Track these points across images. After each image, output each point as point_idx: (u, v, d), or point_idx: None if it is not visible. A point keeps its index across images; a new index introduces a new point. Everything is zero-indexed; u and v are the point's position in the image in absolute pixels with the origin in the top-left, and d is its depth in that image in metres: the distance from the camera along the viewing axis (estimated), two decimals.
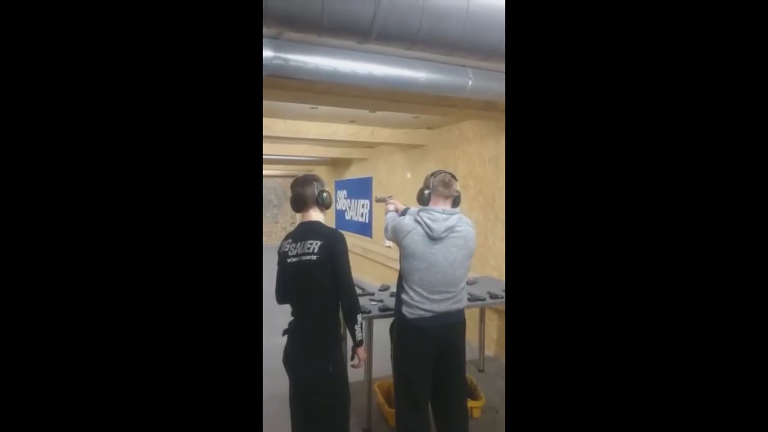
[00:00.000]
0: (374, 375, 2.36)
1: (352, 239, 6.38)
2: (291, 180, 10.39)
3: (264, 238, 10.17)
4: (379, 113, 3.28)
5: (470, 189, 3.58)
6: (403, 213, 1.94)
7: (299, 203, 1.60)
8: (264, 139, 4.48)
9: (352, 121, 3.83)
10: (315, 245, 1.49)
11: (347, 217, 6.75)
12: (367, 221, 5.97)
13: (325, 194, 1.61)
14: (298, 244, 1.52)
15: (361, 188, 6.18)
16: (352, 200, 6.55)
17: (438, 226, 1.66)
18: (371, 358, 2.28)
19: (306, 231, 1.54)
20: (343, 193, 6.98)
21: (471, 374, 2.26)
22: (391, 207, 2.12)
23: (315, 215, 1.60)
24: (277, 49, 1.75)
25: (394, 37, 1.30)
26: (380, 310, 2.18)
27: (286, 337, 1.60)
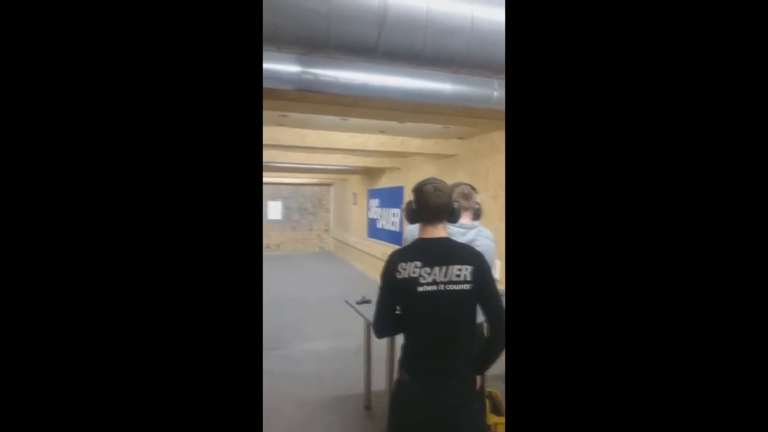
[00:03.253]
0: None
1: (383, 248, 6.41)
2: (325, 188, 10.36)
3: (298, 245, 10.39)
4: (408, 124, 3.31)
5: (500, 199, 3.54)
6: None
7: (426, 214, 1.31)
8: (298, 149, 4.61)
9: (381, 132, 3.88)
10: (466, 272, 1.23)
11: (379, 226, 6.80)
12: (398, 230, 5.99)
13: (457, 205, 1.36)
14: (437, 269, 1.23)
15: (392, 197, 6.21)
16: (384, 209, 6.59)
17: None
18: (393, 368, 2.28)
19: (443, 253, 1.26)
20: (375, 202, 7.04)
21: (496, 389, 2.22)
22: None
23: (442, 231, 1.32)
24: (305, 64, 1.81)
25: (400, 55, 1.30)
26: None
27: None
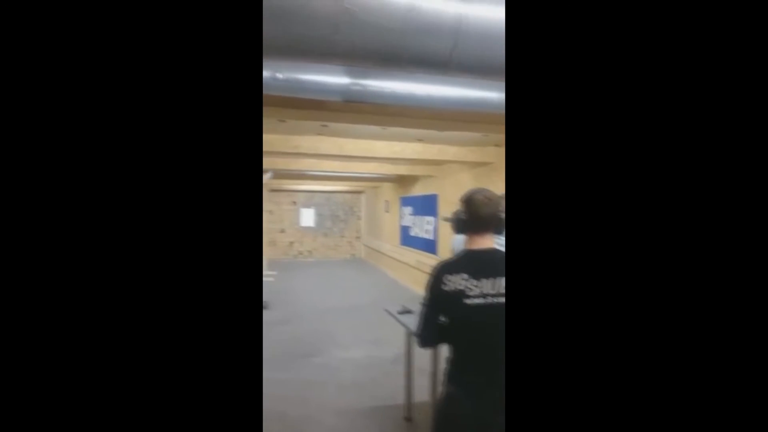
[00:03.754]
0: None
1: (417, 256, 6.37)
2: (356, 196, 10.47)
3: (329, 252, 10.49)
4: (446, 132, 3.29)
5: None
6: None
7: (475, 225, 1.28)
8: (334, 158, 4.66)
9: (419, 140, 3.87)
10: None
11: (412, 234, 6.78)
12: (432, 238, 5.94)
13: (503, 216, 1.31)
14: (485, 281, 1.21)
15: (426, 205, 6.18)
16: (418, 217, 6.56)
17: None
18: (436, 380, 2.25)
19: (491, 264, 1.23)
20: (408, 210, 7.03)
21: None
22: None
23: (490, 242, 1.28)
24: (354, 75, 1.83)
25: (472, 67, 1.27)
26: None
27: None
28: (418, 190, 6.65)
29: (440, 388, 1.36)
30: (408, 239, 6.98)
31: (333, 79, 1.82)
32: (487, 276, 1.21)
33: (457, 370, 1.29)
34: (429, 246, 6.04)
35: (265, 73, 1.76)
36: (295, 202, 10.18)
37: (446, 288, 1.22)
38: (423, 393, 2.67)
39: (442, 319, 1.28)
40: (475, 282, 1.21)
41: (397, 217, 7.60)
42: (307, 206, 10.30)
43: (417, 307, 2.58)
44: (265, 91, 1.81)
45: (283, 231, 10.15)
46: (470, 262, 1.25)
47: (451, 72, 1.26)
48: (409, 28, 0.98)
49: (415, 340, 1.99)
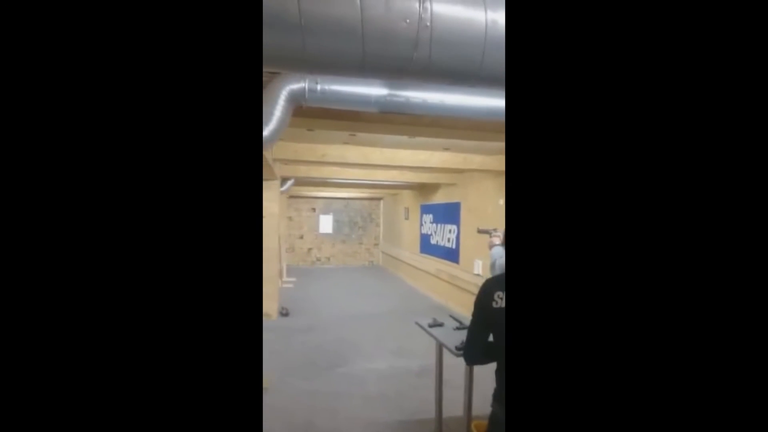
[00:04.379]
0: (473, 413, 2.28)
1: (438, 265, 6.32)
2: (375, 202, 10.46)
3: (347, 259, 10.49)
4: (472, 140, 3.26)
5: None
6: None
7: None
8: (359, 167, 4.67)
9: (446, 149, 3.84)
10: None
11: (432, 242, 6.73)
12: (454, 247, 5.89)
13: None
14: None
15: (449, 213, 6.13)
16: (439, 225, 6.52)
17: None
18: (471, 396, 2.20)
19: None
20: (428, 218, 6.99)
21: None
22: (497, 240, 2.05)
23: None
24: (392, 87, 1.82)
25: (498, 78, 1.26)
26: None
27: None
28: (439, 198, 6.60)
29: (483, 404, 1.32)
30: (428, 247, 6.93)
31: (371, 90, 1.81)
32: None
33: (501, 389, 1.25)
34: (450, 255, 5.98)
35: (304, 85, 1.76)
36: (314, 209, 10.23)
37: (496, 305, 1.19)
38: (452, 407, 2.62)
39: (491, 336, 1.25)
40: None
41: (417, 224, 7.56)
42: (326, 213, 10.33)
43: (447, 320, 2.56)
44: (303, 103, 1.81)
45: (301, 237, 10.19)
46: None
47: (477, 82, 1.24)
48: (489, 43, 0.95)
49: (456, 355, 1.96)
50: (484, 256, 4.76)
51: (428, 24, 0.89)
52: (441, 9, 0.91)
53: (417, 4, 0.88)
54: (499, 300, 1.19)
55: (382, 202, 10.48)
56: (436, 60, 0.95)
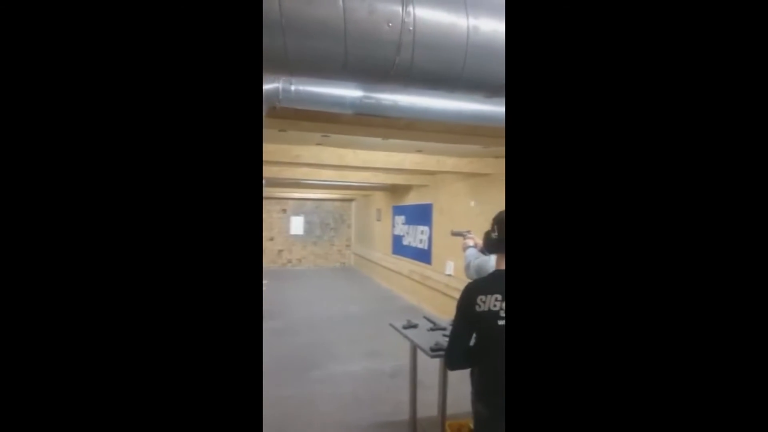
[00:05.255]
0: (447, 413, 2.30)
1: (410, 266, 6.36)
2: (346, 203, 10.40)
3: (319, 260, 10.39)
4: (446, 143, 3.30)
5: None
6: (482, 250, 1.90)
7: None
8: (332, 168, 4.63)
9: (419, 151, 3.87)
10: None
11: (405, 243, 6.76)
12: (426, 248, 5.93)
13: None
14: None
15: (420, 215, 6.18)
16: (411, 226, 6.55)
17: None
18: (445, 397, 2.22)
19: None
20: (401, 219, 7.02)
21: None
22: (470, 242, 2.08)
23: None
24: (366, 89, 1.81)
25: (479, 84, 1.25)
26: None
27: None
28: (411, 199, 6.64)
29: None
30: (400, 248, 6.96)
31: (346, 92, 1.79)
32: None
33: (486, 391, 1.28)
34: (422, 255, 6.02)
35: (278, 85, 1.72)
36: (284, 210, 10.08)
37: (479, 309, 1.21)
38: (426, 408, 2.64)
39: (473, 340, 1.27)
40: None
41: (389, 225, 7.57)
42: (297, 214, 10.20)
43: (421, 321, 2.57)
44: (277, 104, 1.77)
45: (272, 239, 10.03)
46: (503, 284, 1.22)
47: (460, 88, 1.25)
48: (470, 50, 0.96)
49: (431, 356, 1.97)
50: (456, 257, 4.83)
51: (411, 28, 0.89)
52: (424, 13, 0.92)
53: (400, 8, 0.88)
54: (482, 304, 1.21)
55: (354, 203, 10.44)
56: (419, 64, 0.95)
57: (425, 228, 5.99)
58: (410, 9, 0.89)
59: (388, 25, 0.88)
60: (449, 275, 5.02)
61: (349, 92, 1.79)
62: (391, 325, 2.56)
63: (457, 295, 1.36)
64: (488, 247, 1.37)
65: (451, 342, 1.29)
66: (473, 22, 0.94)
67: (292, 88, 1.74)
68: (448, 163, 4.18)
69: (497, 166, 4.22)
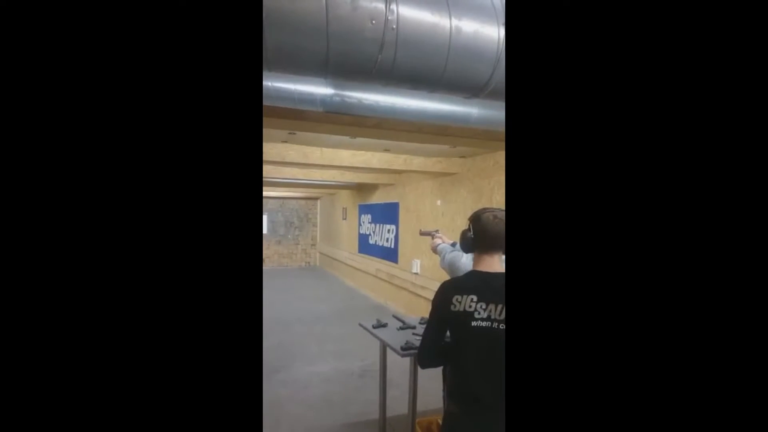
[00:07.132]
0: (416, 410, 2.31)
1: (377, 265, 6.35)
2: (311, 202, 10.24)
3: (283, 260, 10.21)
4: (413, 142, 3.32)
5: None
6: (454, 244, 1.93)
7: (484, 244, 1.27)
8: (298, 166, 4.55)
9: (386, 150, 3.86)
10: None
11: (371, 242, 6.75)
12: (393, 246, 5.95)
13: None
14: (492, 306, 1.19)
15: (387, 213, 6.18)
16: (377, 225, 6.55)
17: None
18: (415, 395, 2.23)
19: (500, 289, 1.18)
20: (367, 218, 7.00)
21: None
22: (438, 241, 2.11)
23: (498, 263, 1.27)
24: (337, 87, 1.78)
25: (460, 85, 1.26)
26: None
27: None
28: (377, 198, 6.64)
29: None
30: (366, 247, 6.95)
31: (316, 89, 1.76)
32: (494, 301, 1.20)
33: (458, 389, 1.29)
34: (389, 254, 6.04)
35: None
36: None
37: (454, 309, 1.21)
38: (395, 406, 2.65)
39: (447, 339, 1.27)
40: (483, 305, 1.20)
41: (355, 224, 7.54)
42: None
43: (390, 320, 2.57)
44: None
45: None
46: (479, 285, 1.23)
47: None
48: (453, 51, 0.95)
49: (402, 355, 1.97)
50: (423, 255, 4.87)
51: (394, 27, 0.88)
52: (407, 12, 0.91)
53: (383, 6, 0.87)
54: (458, 303, 1.21)
55: (319, 201, 10.32)
56: (401, 63, 0.94)
57: (392, 227, 6.00)
58: (394, 7, 0.87)
59: (372, 23, 0.86)
60: (416, 273, 5.06)
61: (320, 90, 1.76)
62: (360, 324, 2.55)
63: (424, 293, 1.37)
64: (464, 246, 1.37)
65: (424, 339, 1.30)
66: (456, 22, 0.94)
67: (270, 84, 1.68)
68: (415, 162, 4.21)
69: (463, 166, 4.29)
